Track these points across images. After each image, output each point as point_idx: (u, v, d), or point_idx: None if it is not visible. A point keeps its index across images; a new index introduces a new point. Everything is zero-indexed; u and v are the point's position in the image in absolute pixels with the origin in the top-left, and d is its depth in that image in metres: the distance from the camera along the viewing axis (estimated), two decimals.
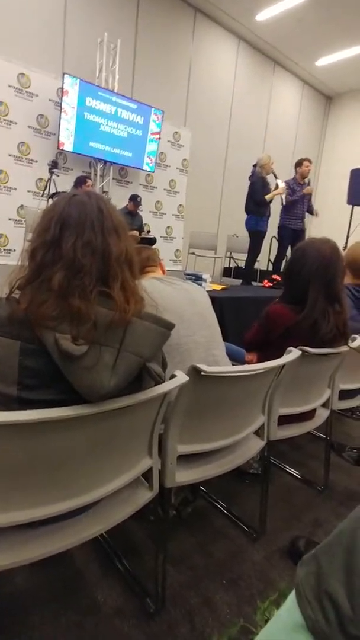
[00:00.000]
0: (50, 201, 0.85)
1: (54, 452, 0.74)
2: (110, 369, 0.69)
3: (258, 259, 5.44)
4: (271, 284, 4.03)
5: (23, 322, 0.70)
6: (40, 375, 0.71)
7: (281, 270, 4.50)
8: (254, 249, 4.39)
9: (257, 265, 6.36)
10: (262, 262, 6.41)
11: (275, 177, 4.22)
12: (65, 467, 0.78)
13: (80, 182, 4.55)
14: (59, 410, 0.68)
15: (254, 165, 4.26)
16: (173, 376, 0.92)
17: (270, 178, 4.25)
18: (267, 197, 4.12)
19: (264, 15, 6.08)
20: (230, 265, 6.79)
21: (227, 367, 1.05)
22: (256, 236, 4.30)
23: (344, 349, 1.40)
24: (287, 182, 4.34)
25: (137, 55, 5.70)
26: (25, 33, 4.69)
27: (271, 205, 4.31)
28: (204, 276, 3.25)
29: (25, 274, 0.74)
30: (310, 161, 4.48)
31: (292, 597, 0.36)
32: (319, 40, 6.64)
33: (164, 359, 0.88)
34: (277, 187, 4.21)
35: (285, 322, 1.35)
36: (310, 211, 4.70)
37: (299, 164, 4.48)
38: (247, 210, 4.26)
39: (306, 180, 4.50)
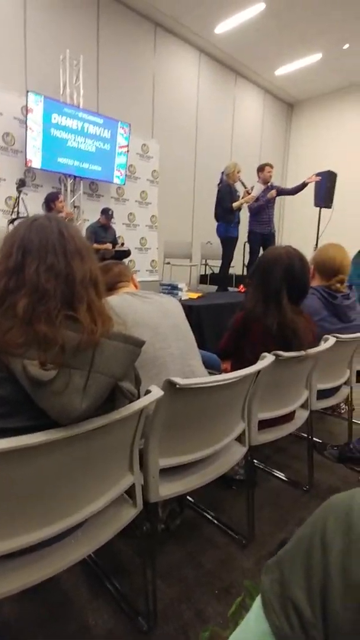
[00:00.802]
0: (11, 227, 0.86)
1: (29, 480, 0.73)
2: (81, 392, 0.69)
3: (232, 264, 5.52)
4: (249, 284, 4.10)
5: None
6: (10, 403, 0.70)
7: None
8: (227, 256, 4.45)
9: (232, 271, 6.46)
10: (237, 267, 6.51)
11: (244, 186, 4.30)
12: (42, 493, 0.77)
13: (52, 199, 4.52)
14: (31, 437, 0.67)
15: (222, 173, 4.34)
16: (148, 391, 0.93)
17: (239, 186, 4.32)
18: (235, 205, 4.19)
19: (222, 27, 6.25)
20: (207, 272, 6.86)
21: (202, 379, 1.06)
22: (227, 243, 4.38)
23: (314, 350, 1.44)
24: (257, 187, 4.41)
25: (101, 70, 5.75)
26: None
27: (241, 211, 4.39)
28: (179, 285, 3.29)
29: None
30: (271, 166, 4.58)
31: (258, 603, 0.37)
32: (277, 50, 6.87)
33: (137, 375, 0.88)
34: (246, 194, 4.28)
35: (252, 328, 1.38)
36: (300, 186, 4.67)
37: (260, 169, 4.58)
38: (216, 217, 4.34)
39: (269, 184, 4.59)
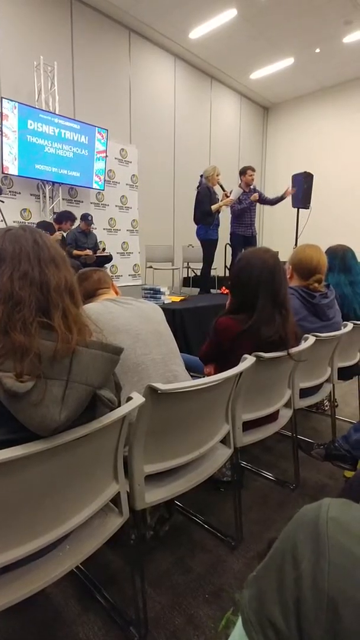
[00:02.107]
0: None
1: (11, 494, 0.72)
2: (59, 402, 0.68)
3: (214, 266, 5.54)
4: (228, 288, 4.13)
5: None
6: None
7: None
8: (207, 258, 4.46)
9: (214, 273, 6.50)
10: (219, 269, 6.55)
11: (223, 189, 4.31)
12: (25, 507, 0.76)
13: (65, 217, 4.76)
14: (10, 450, 0.66)
15: (202, 176, 4.35)
16: (129, 398, 0.92)
17: (218, 189, 4.34)
18: (213, 207, 4.20)
19: (196, 33, 6.31)
20: (189, 275, 6.88)
21: (183, 383, 1.06)
22: (207, 245, 4.38)
23: (295, 349, 1.46)
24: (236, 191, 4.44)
25: (76, 76, 5.73)
26: None
27: (221, 213, 4.41)
28: (162, 289, 3.28)
29: None
30: (253, 170, 4.63)
31: (241, 622, 0.38)
32: (250, 55, 6.98)
33: (117, 382, 0.88)
34: (225, 197, 4.30)
35: (233, 332, 1.39)
36: (278, 199, 4.80)
37: (242, 172, 4.62)
38: (195, 220, 4.34)
39: (251, 187, 4.64)
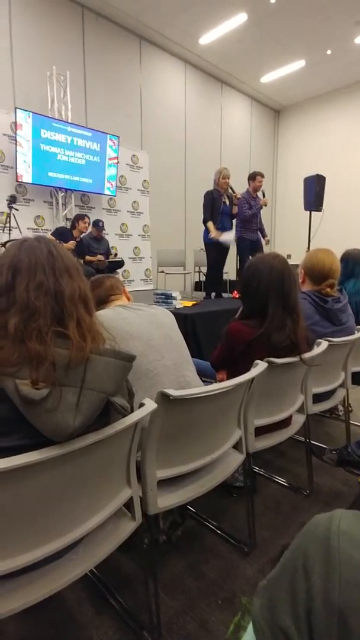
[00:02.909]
0: (3, 249, 0.89)
1: (26, 499, 0.74)
2: (73, 409, 0.70)
3: (226, 270, 5.53)
4: (239, 295, 4.11)
5: None
6: (5, 423, 0.71)
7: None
8: (209, 261, 4.43)
9: (225, 276, 6.49)
10: (231, 273, 6.55)
11: (233, 191, 4.25)
12: (40, 511, 0.78)
13: (78, 218, 4.81)
14: (25, 456, 0.68)
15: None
16: (142, 404, 0.94)
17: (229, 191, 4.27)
18: (209, 225, 4.16)
19: (206, 39, 6.36)
20: (200, 279, 6.89)
21: (195, 389, 1.07)
22: (210, 248, 4.34)
23: (307, 355, 1.45)
24: (241, 198, 4.41)
25: (88, 85, 5.83)
26: None
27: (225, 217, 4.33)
28: (173, 294, 3.30)
29: None
30: (262, 176, 4.61)
31: (252, 629, 0.38)
32: (261, 59, 6.99)
33: (129, 389, 0.89)
34: (235, 199, 4.25)
35: (245, 338, 1.39)
36: (262, 233, 4.85)
37: (252, 177, 4.60)
38: (203, 222, 4.33)
39: (259, 193, 4.63)
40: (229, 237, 4.25)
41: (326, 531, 0.38)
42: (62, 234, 4.64)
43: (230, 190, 4.25)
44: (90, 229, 5.00)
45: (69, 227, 4.95)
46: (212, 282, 4.48)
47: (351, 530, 0.37)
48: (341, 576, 0.34)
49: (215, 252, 4.32)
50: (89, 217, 4.94)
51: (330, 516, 0.40)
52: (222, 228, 4.25)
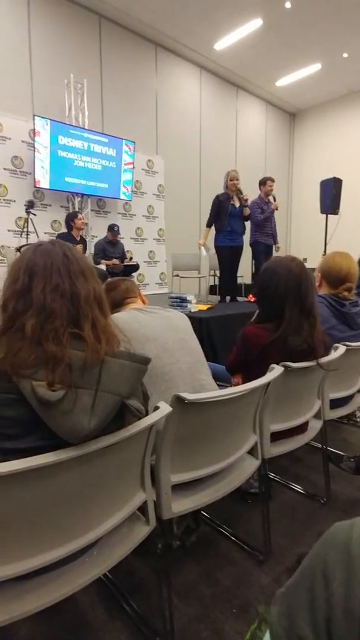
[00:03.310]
0: (18, 254, 0.90)
1: (41, 500, 0.74)
2: (89, 411, 0.70)
3: (240, 273, 5.48)
4: (255, 298, 4.07)
5: (0, 373, 0.71)
6: (21, 424, 0.72)
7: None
8: (219, 265, 4.42)
9: (240, 280, 6.46)
10: (246, 277, 6.51)
11: (241, 193, 4.17)
12: (54, 513, 0.78)
13: (72, 217, 4.76)
14: (41, 457, 0.68)
15: None
16: (157, 407, 0.93)
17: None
18: (204, 230, 4.22)
19: (221, 44, 6.39)
20: (215, 283, 6.87)
21: (210, 393, 1.06)
22: (218, 252, 4.32)
23: (325, 359, 1.42)
24: (252, 203, 4.40)
25: (104, 91, 5.91)
26: None
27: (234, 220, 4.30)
28: (188, 297, 3.30)
29: None
30: (273, 180, 4.62)
31: (269, 638, 0.37)
32: (276, 63, 6.98)
33: (144, 392, 0.89)
34: (244, 201, 4.21)
35: (261, 342, 1.37)
36: (274, 239, 4.82)
37: (262, 182, 4.62)
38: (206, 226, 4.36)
39: (270, 198, 4.63)
40: (203, 253, 4.34)
41: (347, 539, 0.36)
42: (64, 240, 4.67)
43: (239, 192, 4.19)
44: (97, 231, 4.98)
45: (66, 230, 4.87)
46: (225, 285, 4.44)
47: None
48: None
49: (225, 256, 4.28)
50: (80, 213, 4.92)
51: (351, 524, 0.39)
52: (232, 230, 4.20)
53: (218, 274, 6.66)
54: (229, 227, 4.16)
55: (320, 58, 6.80)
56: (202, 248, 4.26)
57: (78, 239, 4.80)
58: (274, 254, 4.81)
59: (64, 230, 5.23)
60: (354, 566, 0.34)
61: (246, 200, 4.22)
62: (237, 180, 4.13)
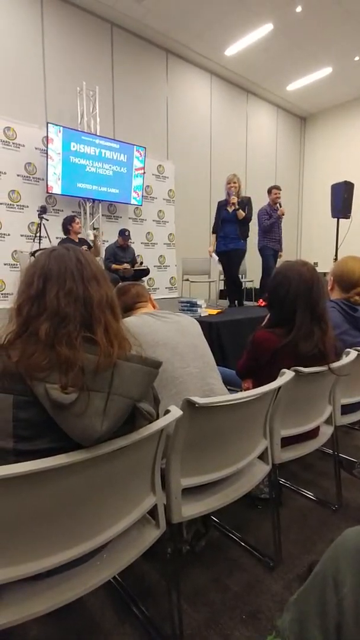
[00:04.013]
0: (32, 259, 0.92)
1: (52, 501, 0.75)
2: (101, 414, 0.71)
3: (251, 278, 5.44)
4: (266, 303, 4.05)
5: (15, 375, 0.73)
6: (34, 426, 0.73)
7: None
8: (225, 270, 4.42)
9: (250, 285, 6.44)
10: (256, 281, 6.49)
11: (229, 195, 4.08)
12: (65, 515, 0.79)
13: (68, 221, 4.70)
14: (53, 459, 0.69)
15: None
16: (167, 411, 0.94)
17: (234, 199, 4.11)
18: (212, 237, 4.27)
19: (232, 50, 6.43)
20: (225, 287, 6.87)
21: (221, 397, 1.06)
22: (220, 257, 4.33)
23: (336, 364, 1.41)
24: (260, 210, 4.45)
25: (116, 99, 5.99)
26: (7, 89, 4.95)
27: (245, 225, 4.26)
28: (198, 302, 3.30)
29: (14, 329, 0.77)
30: (278, 188, 4.71)
31: None
32: (287, 67, 6.99)
33: (155, 396, 0.89)
34: (232, 205, 4.09)
35: (271, 346, 1.37)
36: (280, 246, 4.87)
37: (269, 191, 4.75)
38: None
39: (276, 206, 4.71)
40: (214, 260, 4.35)
41: (357, 544, 0.36)
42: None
43: (238, 193, 4.11)
44: (89, 232, 4.95)
45: (65, 236, 4.80)
46: (229, 290, 4.47)
47: None
48: None
49: (223, 260, 4.33)
50: (79, 217, 4.92)
51: None
52: (224, 235, 4.19)
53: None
54: (222, 232, 4.19)
55: (331, 62, 6.79)
56: (213, 255, 4.30)
57: (77, 242, 4.78)
58: (277, 261, 4.85)
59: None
60: None
61: (247, 198, 4.13)
62: (233, 183, 4.07)
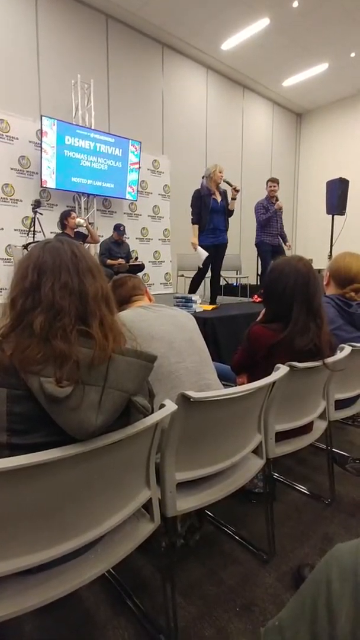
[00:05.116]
0: (25, 251, 0.90)
1: (47, 495, 0.75)
2: (96, 407, 0.71)
3: (246, 274, 5.43)
4: (261, 299, 4.05)
5: (9, 369, 0.72)
6: (29, 420, 0.72)
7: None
8: (202, 265, 3.96)
9: (245, 281, 6.44)
10: (251, 277, 6.49)
11: (230, 184, 3.83)
12: (60, 508, 0.78)
13: (65, 216, 4.65)
14: (47, 452, 0.69)
15: (203, 177, 3.92)
16: (162, 405, 0.94)
17: (224, 186, 3.89)
18: (193, 227, 3.79)
19: (228, 44, 6.39)
20: (220, 283, 6.85)
21: (216, 392, 1.06)
22: (210, 251, 3.87)
23: (330, 359, 1.42)
24: (257, 203, 4.34)
25: (111, 92, 5.93)
26: (1, 82, 4.88)
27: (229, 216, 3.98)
28: (193, 298, 3.30)
29: (8, 322, 0.76)
30: (273, 181, 4.60)
31: None
32: (283, 63, 6.97)
33: (150, 390, 0.89)
34: (234, 192, 3.81)
35: (267, 342, 1.37)
36: (284, 238, 4.79)
37: (266, 183, 4.65)
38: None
39: (273, 199, 4.65)
40: (202, 254, 3.81)
41: (354, 564, 0.32)
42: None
43: (226, 184, 3.82)
44: (78, 220, 4.78)
45: (61, 231, 4.73)
46: (214, 287, 4.11)
47: None
48: None
49: (212, 255, 3.88)
50: (74, 212, 4.83)
51: (356, 546, 0.34)
52: (214, 228, 3.80)
53: (224, 275, 6.66)
54: (211, 224, 3.77)
55: (328, 58, 6.78)
56: (199, 248, 3.83)
57: (73, 237, 4.74)
58: (287, 253, 4.76)
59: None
60: None
61: (236, 190, 3.81)
62: (221, 172, 3.81)
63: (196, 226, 3.82)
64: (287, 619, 0.35)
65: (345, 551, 0.34)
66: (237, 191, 3.83)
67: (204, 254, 3.80)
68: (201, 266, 3.92)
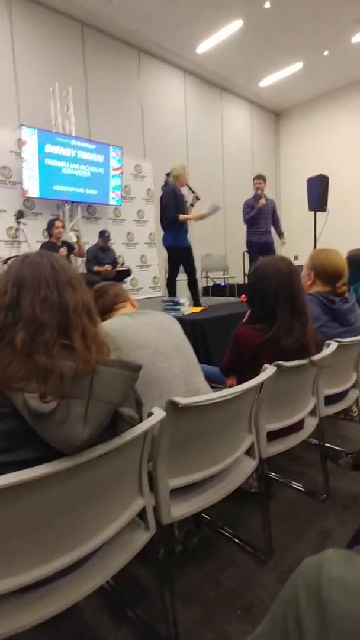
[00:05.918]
0: (5, 266, 0.90)
1: (38, 512, 0.74)
2: (82, 421, 0.70)
3: (232, 274, 5.44)
4: (247, 299, 4.05)
5: None
6: (14, 437, 0.72)
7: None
8: (172, 265, 3.92)
9: (232, 281, 6.47)
10: (238, 277, 6.53)
11: (192, 191, 3.79)
12: (52, 524, 0.78)
13: (49, 225, 4.64)
14: (35, 469, 0.68)
15: (167, 175, 3.83)
16: (150, 414, 0.94)
17: (186, 190, 3.82)
18: (181, 217, 3.65)
19: (203, 47, 6.44)
20: (208, 285, 6.89)
21: (204, 396, 1.06)
22: (176, 252, 3.84)
23: (317, 356, 1.44)
24: (245, 203, 4.37)
25: (90, 98, 5.92)
26: None
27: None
28: (181, 300, 3.31)
29: None
30: (258, 178, 4.65)
31: None
32: (258, 63, 7.04)
33: (137, 399, 0.89)
34: (195, 199, 3.80)
35: (254, 342, 1.38)
36: (280, 234, 4.83)
37: (253, 182, 4.70)
38: (163, 226, 3.81)
39: (262, 195, 4.69)
40: (210, 208, 3.71)
41: (317, 580, 0.34)
42: (49, 249, 4.61)
43: (190, 190, 3.80)
44: (70, 234, 4.84)
45: (47, 239, 4.73)
46: (193, 289, 4.02)
47: (343, 576, 0.35)
48: (337, 632, 0.31)
49: (185, 256, 3.88)
50: (61, 220, 4.79)
51: (320, 562, 0.36)
52: (186, 230, 3.80)
53: (211, 276, 6.69)
54: (184, 225, 3.78)
55: (302, 57, 6.87)
56: (206, 208, 3.69)
57: (59, 244, 4.66)
58: (280, 248, 4.74)
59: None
60: (327, 612, 0.32)
61: (197, 198, 3.81)
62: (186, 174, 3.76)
63: (182, 215, 3.70)
64: (261, 635, 0.36)
65: (310, 567, 0.36)
66: (198, 199, 3.78)
67: (212, 205, 3.71)
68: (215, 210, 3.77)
